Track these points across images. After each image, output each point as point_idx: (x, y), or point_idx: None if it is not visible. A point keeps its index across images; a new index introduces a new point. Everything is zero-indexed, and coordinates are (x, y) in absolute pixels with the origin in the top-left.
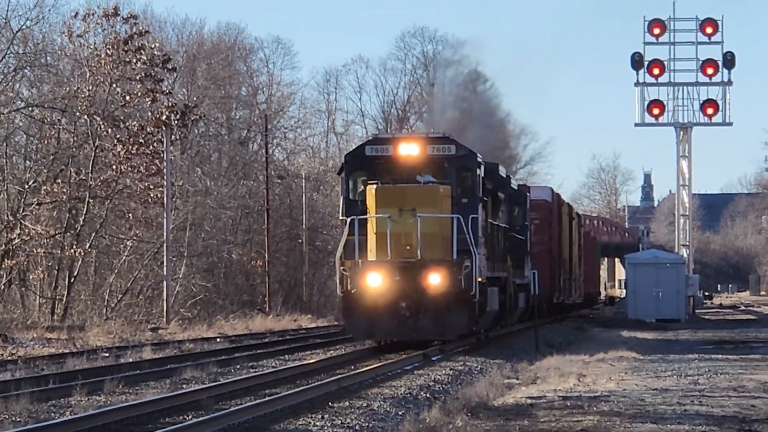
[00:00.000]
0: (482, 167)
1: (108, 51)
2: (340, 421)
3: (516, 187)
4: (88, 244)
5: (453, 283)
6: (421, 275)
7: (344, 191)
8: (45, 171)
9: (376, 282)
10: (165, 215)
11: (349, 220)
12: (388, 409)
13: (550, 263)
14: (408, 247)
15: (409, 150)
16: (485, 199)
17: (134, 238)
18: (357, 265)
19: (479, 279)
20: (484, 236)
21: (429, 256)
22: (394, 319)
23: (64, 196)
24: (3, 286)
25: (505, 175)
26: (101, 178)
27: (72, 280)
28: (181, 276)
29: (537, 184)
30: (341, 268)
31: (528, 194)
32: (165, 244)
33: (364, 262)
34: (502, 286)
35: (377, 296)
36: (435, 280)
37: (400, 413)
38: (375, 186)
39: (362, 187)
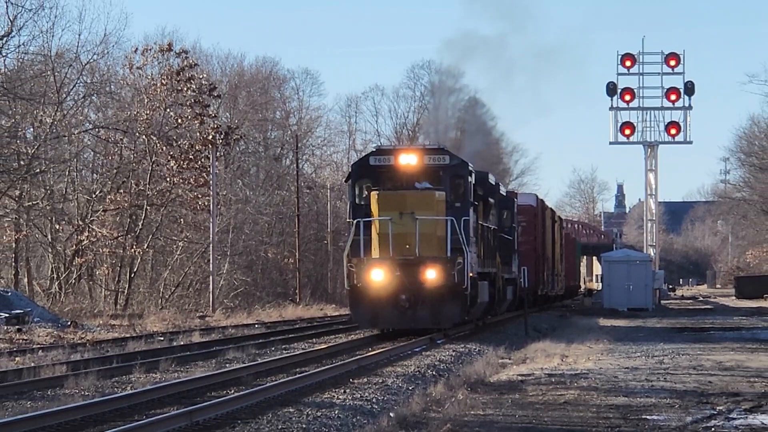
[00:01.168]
0: (473, 175)
1: (163, 81)
2: (359, 395)
3: (504, 193)
4: (146, 245)
5: (447, 277)
6: (418, 271)
7: (351, 196)
8: (109, 183)
9: (379, 277)
10: (211, 220)
11: (355, 222)
12: (400, 384)
13: (535, 260)
14: (407, 246)
15: (409, 160)
16: (476, 203)
17: (185, 239)
18: (362, 261)
19: (470, 274)
20: (475, 236)
21: (426, 254)
22: (395, 310)
23: (126, 204)
24: (74, 281)
25: (494, 182)
26: (157, 188)
27: (132, 275)
28: (224, 271)
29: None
30: (348, 264)
31: (515, 199)
32: (211, 245)
33: (369, 260)
34: (491, 280)
35: (380, 289)
36: (431, 275)
37: (410, 388)
38: (378, 192)
39: (367, 192)
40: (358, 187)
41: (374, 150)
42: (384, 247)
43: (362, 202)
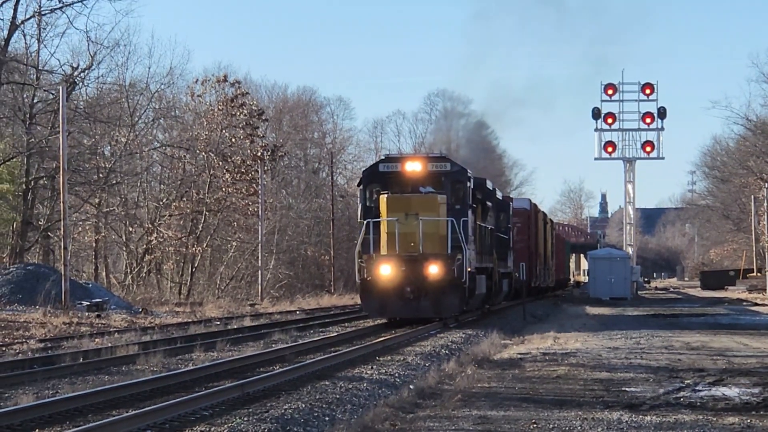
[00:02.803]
0: (472, 180)
1: (219, 107)
2: (384, 370)
3: (501, 197)
4: (205, 244)
5: (447, 272)
6: (422, 266)
7: (362, 199)
8: (174, 192)
9: (386, 271)
10: (259, 223)
11: (365, 222)
12: (418, 361)
13: (529, 257)
14: (412, 244)
15: (414, 167)
16: (474, 205)
17: (238, 239)
18: (372, 258)
19: (469, 269)
20: (474, 235)
21: (429, 251)
22: (400, 301)
23: (188, 210)
24: (144, 274)
25: (491, 188)
26: (214, 197)
27: (193, 270)
28: (271, 267)
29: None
30: (359, 260)
31: (511, 203)
32: (259, 244)
33: (377, 256)
34: (488, 274)
35: (387, 283)
36: (433, 270)
37: (427, 364)
38: (386, 195)
39: (376, 196)
40: (369, 191)
41: (383, 158)
42: (391, 245)
43: (372, 205)
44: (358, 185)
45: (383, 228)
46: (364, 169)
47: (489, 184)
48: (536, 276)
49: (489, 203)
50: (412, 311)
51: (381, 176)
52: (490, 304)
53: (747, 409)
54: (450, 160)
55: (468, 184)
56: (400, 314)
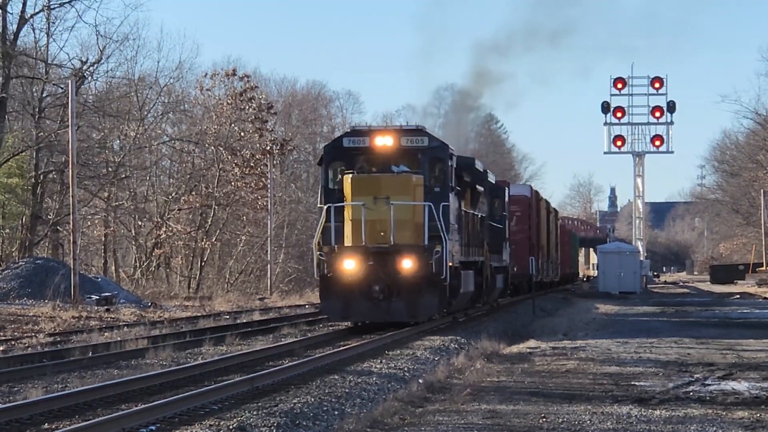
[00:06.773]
0: (454, 159)
1: (228, 101)
2: (393, 364)
3: (494, 181)
4: (214, 238)
5: (424, 267)
6: (394, 260)
7: (323, 180)
8: (183, 186)
9: (351, 266)
10: (269, 217)
11: (326, 207)
12: (428, 356)
13: (529, 248)
14: (382, 233)
15: (385, 141)
16: (458, 188)
17: (247, 233)
18: (333, 250)
19: (450, 263)
20: (458, 223)
21: (401, 241)
22: (367, 302)
23: (197, 204)
24: (154, 268)
25: (482, 170)
26: (223, 191)
27: (202, 264)
28: (280, 261)
29: None
30: (318, 253)
31: (507, 189)
32: (269, 238)
33: (341, 248)
34: (478, 269)
35: (352, 279)
36: (407, 264)
37: (436, 359)
38: (351, 175)
39: (340, 176)
40: (332, 171)
41: (348, 131)
42: (357, 235)
43: (335, 187)
44: (319, 163)
45: (347, 214)
46: (325, 144)
47: (479, 165)
48: (538, 270)
49: (480, 187)
50: (382, 314)
51: (346, 152)
52: (481, 303)
53: (756, 403)
54: (428, 134)
55: (449, 162)
56: (367, 317)
